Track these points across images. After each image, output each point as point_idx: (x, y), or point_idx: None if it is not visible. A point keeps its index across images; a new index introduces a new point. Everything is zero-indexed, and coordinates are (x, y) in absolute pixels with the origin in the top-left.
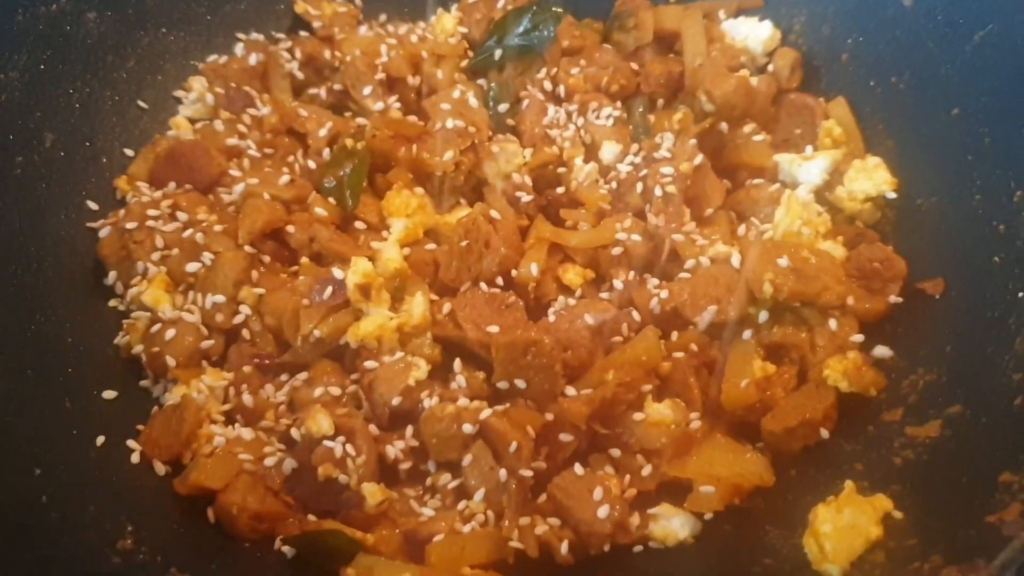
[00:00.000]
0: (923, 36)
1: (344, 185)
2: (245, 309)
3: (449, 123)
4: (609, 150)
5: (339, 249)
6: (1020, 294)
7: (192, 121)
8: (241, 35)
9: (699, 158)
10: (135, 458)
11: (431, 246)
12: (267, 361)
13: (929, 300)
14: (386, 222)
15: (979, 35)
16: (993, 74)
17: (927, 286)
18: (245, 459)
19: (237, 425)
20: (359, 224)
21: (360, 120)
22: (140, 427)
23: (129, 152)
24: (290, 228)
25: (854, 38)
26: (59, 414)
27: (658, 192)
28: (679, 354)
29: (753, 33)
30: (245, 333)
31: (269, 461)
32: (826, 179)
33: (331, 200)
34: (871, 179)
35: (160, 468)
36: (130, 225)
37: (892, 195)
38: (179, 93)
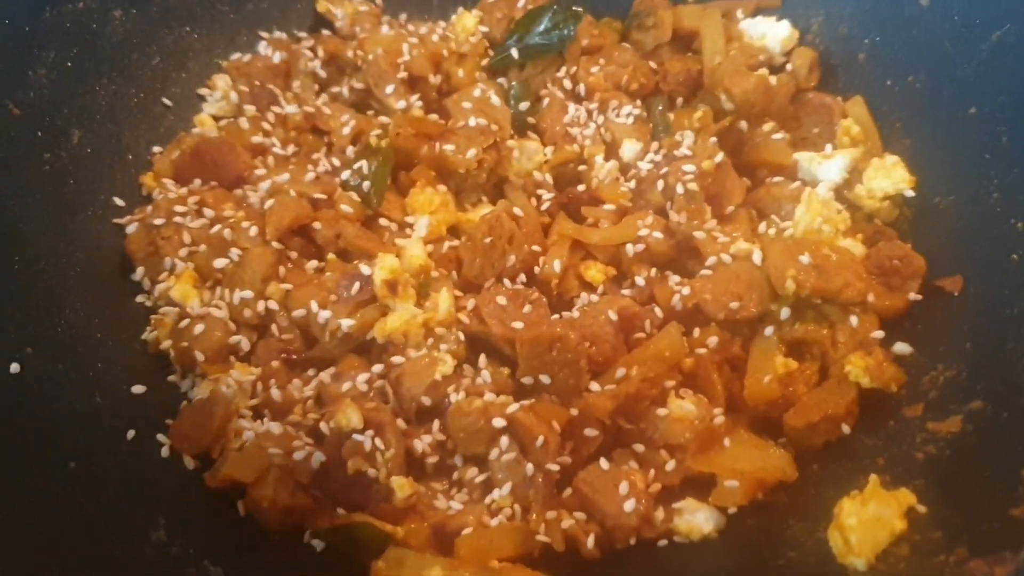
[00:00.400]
0: (940, 36)
1: (369, 182)
2: (273, 304)
3: (472, 121)
4: (629, 148)
5: (365, 245)
6: None
7: (216, 119)
8: (264, 33)
9: (720, 156)
10: (165, 452)
11: (455, 243)
12: (295, 356)
13: (948, 297)
14: (409, 219)
15: (996, 35)
16: (1010, 73)
17: (946, 283)
18: (274, 453)
19: (266, 420)
20: (383, 221)
21: (383, 118)
22: (169, 421)
23: (156, 149)
24: (316, 225)
25: (871, 38)
26: (90, 408)
27: (679, 190)
28: (701, 350)
29: (771, 32)
30: (273, 328)
31: (298, 455)
32: (845, 177)
33: (356, 197)
34: (889, 177)
35: (189, 462)
36: (157, 221)
37: (910, 193)
38: (203, 91)
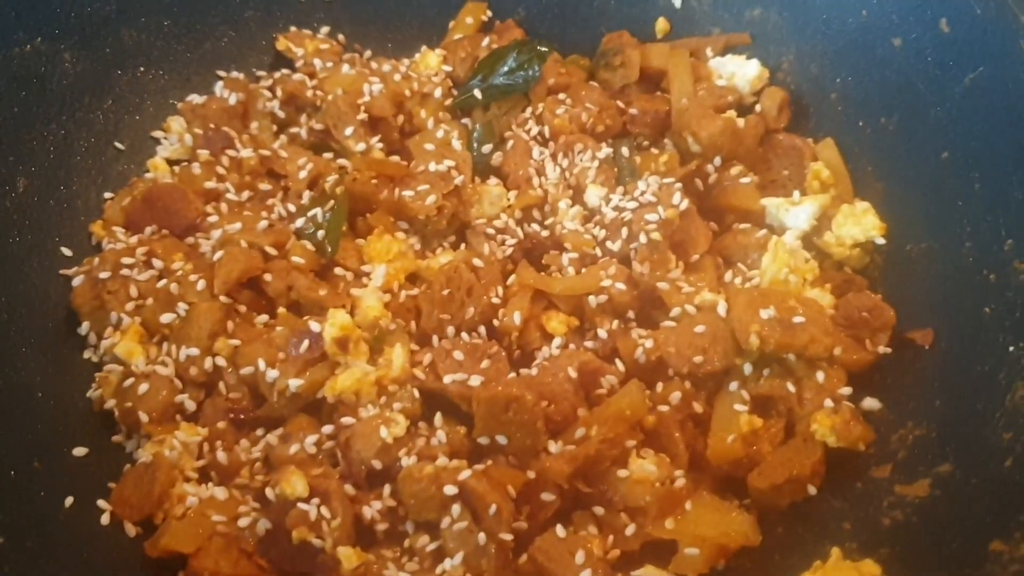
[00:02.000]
0: (913, 77)
1: (323, 231)
2: (220, 361)
3: (432, 166)
4: (594, 193)
5: (317, 298)
6: (1011, 348)
7: (171, 162)
8: (222, 72)
9: (684, 203)
10: (105, 519)
11: (414, 291)
12: (242, 416)
13: (919, 351)
14: (366, 268)
15: (969, 77)
16: (984, 117)
17: (916, 336)
18: (218, 520)
19: (211, 484)
20: (339, 271)
21: (342, 161)
22: (111, 484)
23: (107, 195)
24: (267, 276)
25: (843, 78)
26: (27, 475)
27: (643, 239)
28: (664, 407)
29: (740, 71)
30: (221, 386)
31: (243, 522)
32: (814, 224)
33: (309, 246)
34: (859, 224)
35: (131, 530)
36: (103, 274)
37: (881, 241)
38: (157, 133)
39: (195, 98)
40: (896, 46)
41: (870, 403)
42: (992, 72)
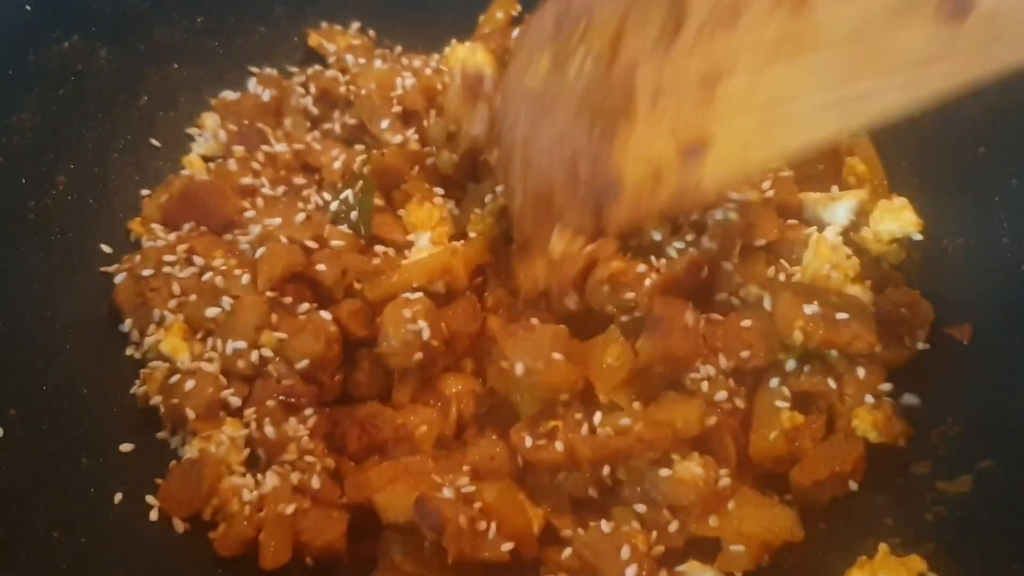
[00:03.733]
0: None
1: (355, 210)
2: (267, 352)
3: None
4: None
5: (373, 268)
6: None
7: (206, 159)
8: (254, 68)
9: (771, 192)
10: (154, 515)
11: None
12: (293, 400)
13: (957, 346)
14: (411, 237)
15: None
16: (1020, 113)
17: (955, 332)
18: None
19: (259, 475)
20: (379, 248)
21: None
22: (159, 480)
23: (144, 192)
24: (320, 267)
25: None
26: (76, 471)
27: (719, 215)
28: (711, 420)
29: None
30: (271, 369)
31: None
32: (853, 220)
33: (346, 229)
34: (897, 220)
35: (179, 526)
36: (146, 272)
37: (919, 237)
38: (192, 130)
39: (228, 95)
40: None
41: (909, 399)
42: None
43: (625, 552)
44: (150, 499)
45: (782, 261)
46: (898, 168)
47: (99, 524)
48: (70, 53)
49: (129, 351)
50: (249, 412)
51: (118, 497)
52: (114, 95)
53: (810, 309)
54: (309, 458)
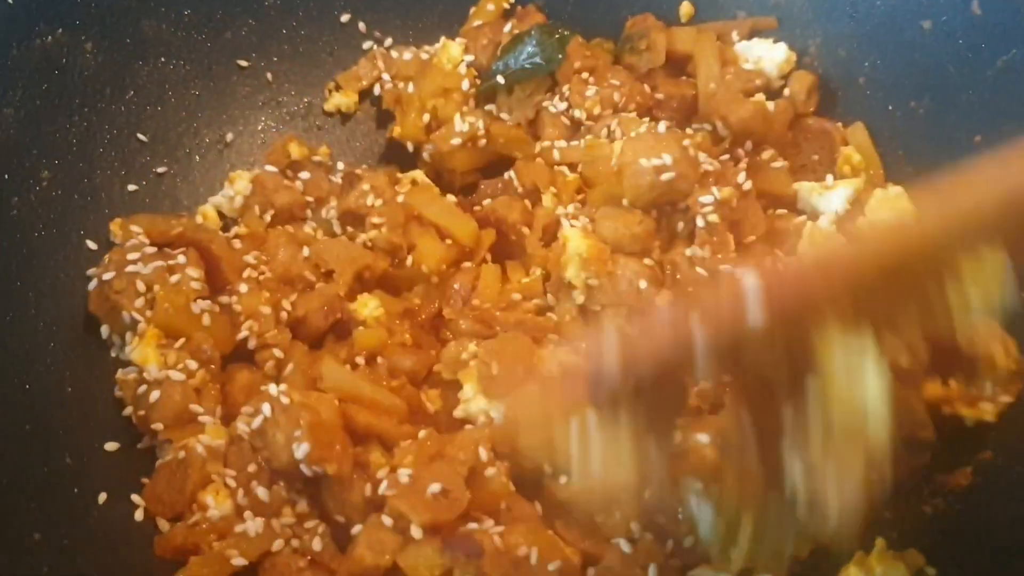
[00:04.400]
0: (943, 60)
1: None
2: None
3: None
4: None
5: None
6: None
7: (221, 216)
8: (242, 62)
9: (748, 183)
10: (139, 515)
11: None
12: None
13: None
14: None
15: (1002, 60)
16: (1017, 100)
17: None
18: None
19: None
20: None
21: None
22: (145, 480)
23: (131, 187)
24: None
25: (871, 61)
26: (59, 471)
27: (699, 222)
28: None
29: (768, 55)
30: None
31: None
32: (847, 209)
33: None
34: (893, 209)
35: (165, 526)
36: (107, 276)
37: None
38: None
39: (270, 171)
40: (926, 29)
41: None
42: None
43: (652, 571)
44: (135, 498)
45: (777, 252)
46: (894, 158)
47: (83, 525)
48: (54, 47)
49: (113, 352)
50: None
51: (102, 497)
52: (100, 89)
53: None
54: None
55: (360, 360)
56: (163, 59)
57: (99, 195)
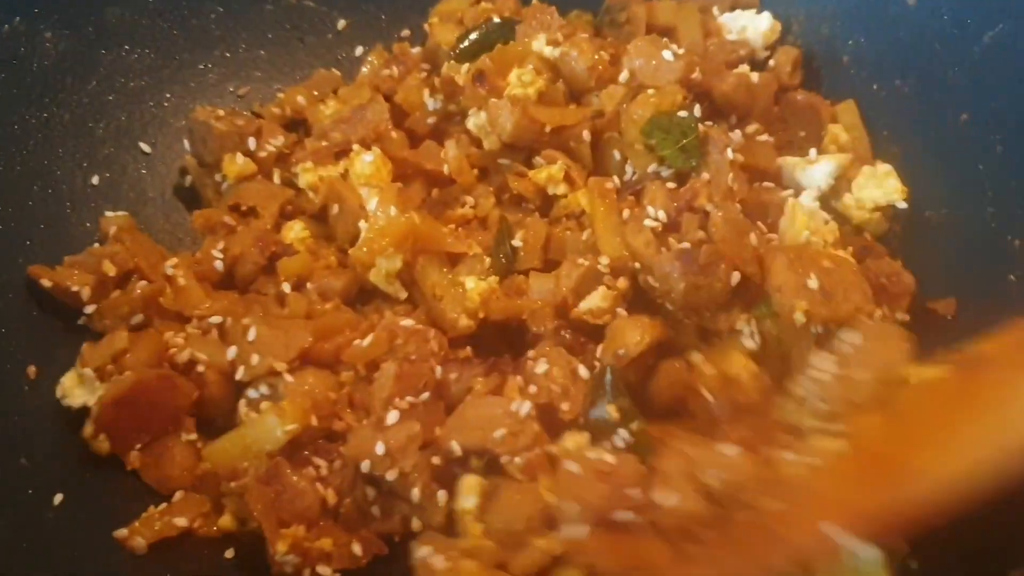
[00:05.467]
0: (929, 37)
1: None
2: None
3: None
4: None
5: None
6: None
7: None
8: (211, 50)
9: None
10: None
11: None
12: None
13: (941, 321)
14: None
15: (988, 36)
16: (1004, 77)
17: (938, 306)
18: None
19: None
20: None
21: None
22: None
23: (94, 180)
24: None
25: (855, 39)
26: (13, 474)
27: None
28: None
29: (752, 25)
30: None
31: None
32: (831, 184)
33: None
34: (881, 187)
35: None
36: None
37: (903, 205)
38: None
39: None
40: (910, 4)
41: None
42: (1012, 29)
43: None
44: None
45: (759, 224)
46: (880, 137)
47: (37, 528)
48: (11, 36)
49: None
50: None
51: (58, 498)
52: (61, 79)
53: (811, 284)
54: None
55: (287, 288)
56: (127, 47)
57: (60, 187)
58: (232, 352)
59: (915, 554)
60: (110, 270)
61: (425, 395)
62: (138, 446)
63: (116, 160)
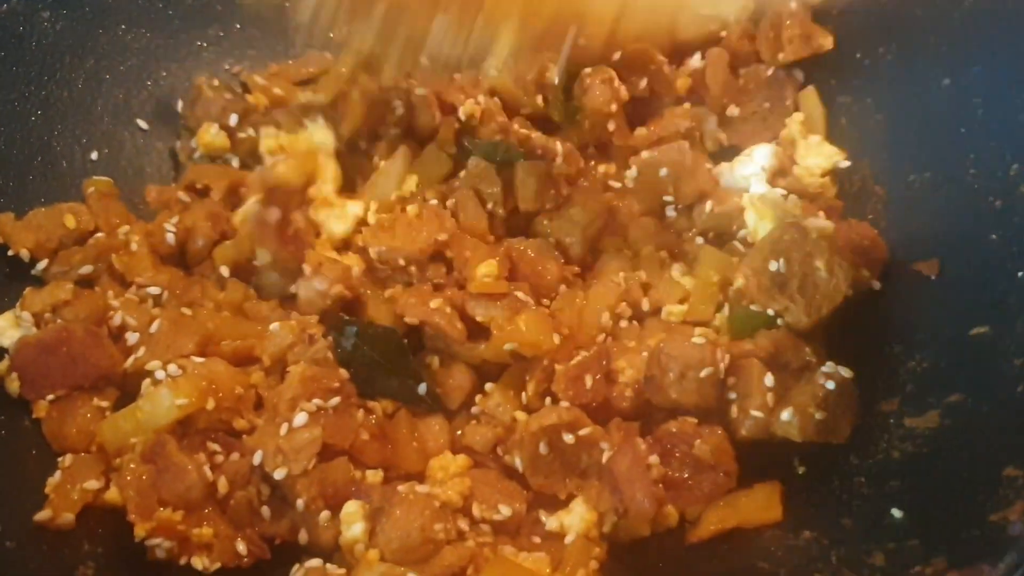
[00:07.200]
0: (910, 3)
1: None
2: None
3: None
4: None
5: None
6: (1020, 273)
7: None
8: (206, 30)
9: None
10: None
11: None
12: None
13: (925, 281)
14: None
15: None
16: (985, 41)
17: (922, 267)
18: None
19: None
20: None
21: None
22: None
23: (93, 156)
24: None
25: (837, 8)
26: None
27: None
28: None
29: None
30: None
31: None
32: (773, 164)
33: None
34: (821, 154)
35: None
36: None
37: (846, 163)
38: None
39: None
40: None
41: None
42: None
43: None
44: None
45: (735, 243)
46: (863, 105)
47: None
48: (9, 16)
49: None
50: None
51: None
52: (59, 58)
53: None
54: None
55: (225, 271)
56: (123, 27)
57: (60, 164)
58: (134, 338)
59: (899, 505)
60: (70, 223)
61: (334, 400)
62: (50, 396)
63: (114, 136)
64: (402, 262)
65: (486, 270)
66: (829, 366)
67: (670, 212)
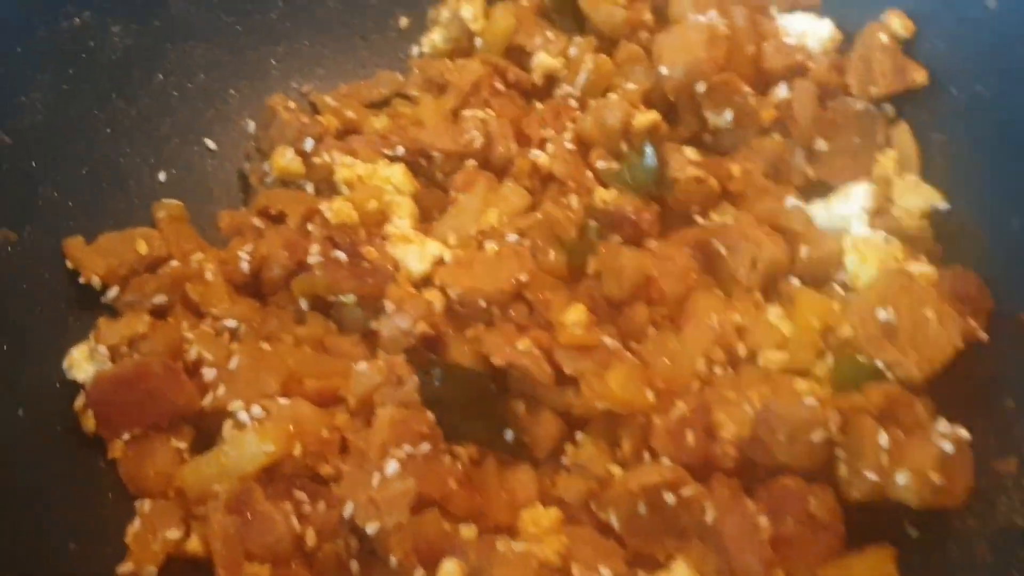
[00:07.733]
0: (1012, 39)
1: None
2: None
3: None
4: None
5: None
6: None
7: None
8: (274, 46)
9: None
10: None
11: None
12: None
13: None
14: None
15: None
16: None
17: None
18: None
19: None
20: None
21: None
22: None
23: (161, 177)
24: None
25: (932, 42)
26: None
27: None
28: None
29: (812, 30)
30: None
31: None
32: (872, 205)
33: None
34: (919, 194)
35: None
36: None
37: (944, 205)
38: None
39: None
40: (990, 7)
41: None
42: None
43: None
44: None
45: (833, 285)
46: (960, 145)
47: None
48: (81, 30)
49: None
50: None
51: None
52: (128, 73)
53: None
54: None
55: (304, 305)
56: (192, 41)
57: (128, 182)
58: (211, 374)
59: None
60: (142, 248)
61: (424, 446)
62: (126, 436)
63: (182, 156)
64: (483, 303)
65: (575, 318)
66: (944, 425)
67: None
